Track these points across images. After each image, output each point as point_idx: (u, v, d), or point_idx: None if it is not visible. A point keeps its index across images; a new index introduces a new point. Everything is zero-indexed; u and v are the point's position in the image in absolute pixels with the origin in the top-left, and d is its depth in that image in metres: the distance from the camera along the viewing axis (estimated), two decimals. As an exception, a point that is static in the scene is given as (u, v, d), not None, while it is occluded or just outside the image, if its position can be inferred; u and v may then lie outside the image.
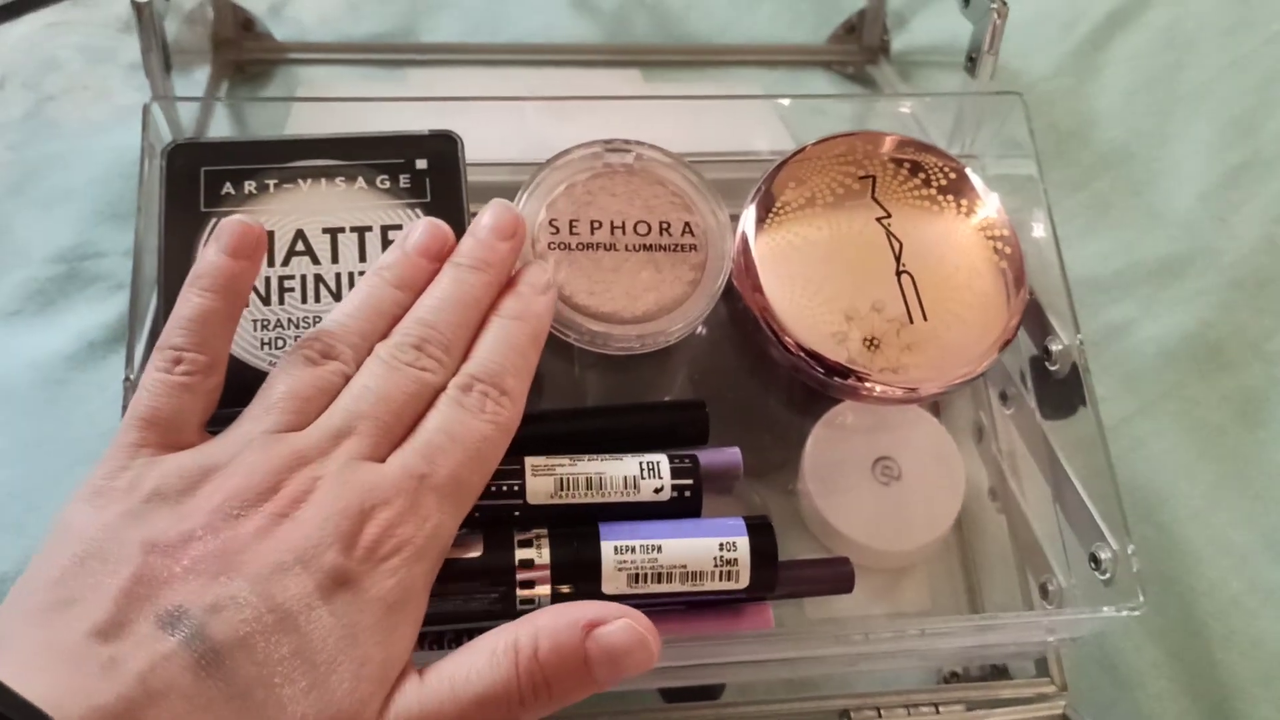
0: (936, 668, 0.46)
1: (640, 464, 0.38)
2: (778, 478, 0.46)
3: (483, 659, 0.31)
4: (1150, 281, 0.57)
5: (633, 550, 0.36)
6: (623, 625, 0.32)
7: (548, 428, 0.40)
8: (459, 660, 0.32)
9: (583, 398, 0.45)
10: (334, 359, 0.35)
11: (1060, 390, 0.44)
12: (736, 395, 0.47)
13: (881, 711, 0.43)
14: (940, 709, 0.43)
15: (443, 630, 0.37)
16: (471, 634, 0.37)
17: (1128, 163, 0.61)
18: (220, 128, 0.53)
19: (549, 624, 0.32)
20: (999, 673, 0.46)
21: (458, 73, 0.61)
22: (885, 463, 0.46)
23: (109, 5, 0.60)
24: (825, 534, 0.45)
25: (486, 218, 0.38)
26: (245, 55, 0.59)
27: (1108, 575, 0.40)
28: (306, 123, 0.50)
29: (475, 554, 0.36)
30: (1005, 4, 0.49)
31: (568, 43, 0.62)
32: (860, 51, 0.63)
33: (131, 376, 0.39)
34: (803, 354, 0.42)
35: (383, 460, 0.33)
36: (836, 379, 0.42)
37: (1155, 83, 0.63)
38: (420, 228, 0.38)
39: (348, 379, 0.34)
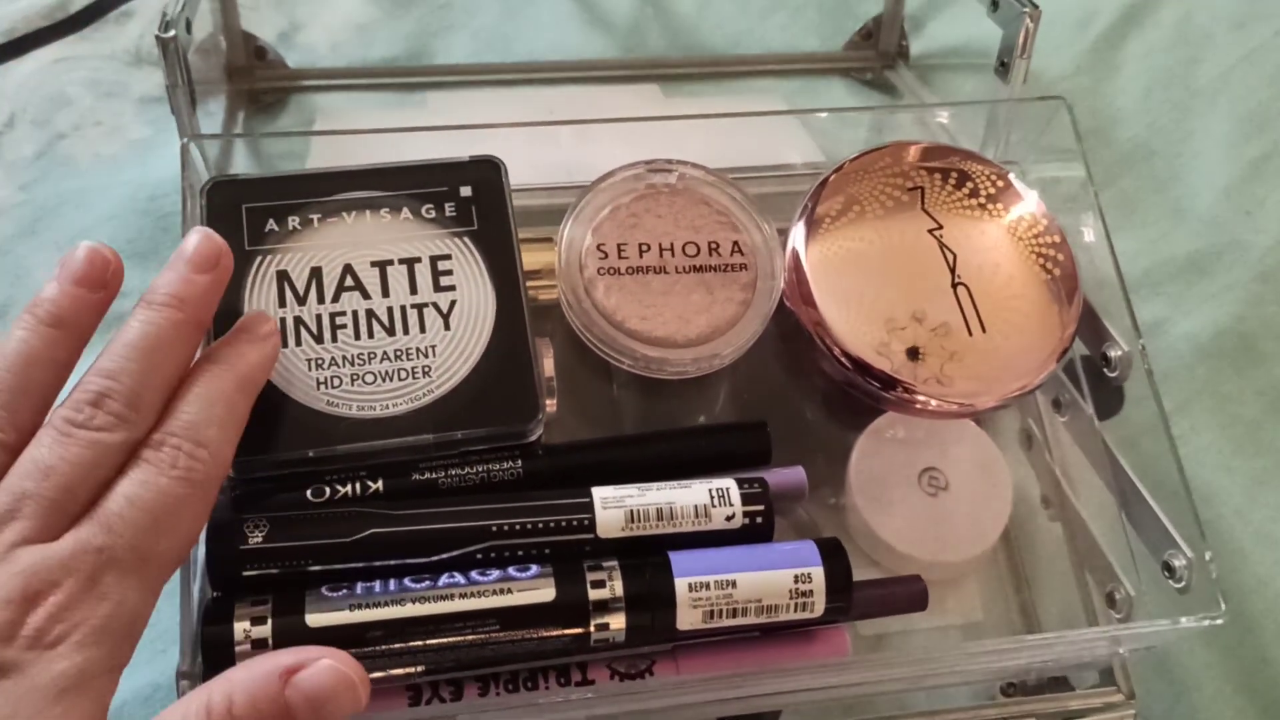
0: (994, 680, 0.46)
1: (710, 491, 0.37)
2: (822, 492, 0.46)
3: None
4: (1179, 279, 0.57)
5: (707, 587, 0.35)
6: (324, 667, 0.29)
7: (607, 455, 0.40)
8: None
9: (621, 420, 0.45)
10: None
11: (1111, 393, 0.44)
12: (777, 412, 0.46)
13: (950, 729, 0.42)
14: (1009, 724, 0.43)
15: (517, 670, 0.37)
16: (545, 672, 0.37)
17: (1150, 160, 0.60)
18: (241, 162, 0.52)
19: (243, 677, 0.29)
20: (1058, 683, 0.45)
21: (474, 94, 0.60)
22: (931, 473, 0.45)
23: (117, 38, 0.59)
24: (872, 547, 0.44)
25: (184, 247, 0.34)
26: (259, 84, 0.58)
27: (1184, 583, 0.40)
28: (329, 152, 0.49)
29: (549, 596, 0.35)
30: (1037, 7, 0.48)
31: (583, 59, 0.61)
32: (878, 57, 0.63)
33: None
34: (858, 369, 0.41)
35: (56, 538, 0.30)
36: (890, 392, 0.42)
37: (1172, 79, 0.63)
38: (74, 253, 0.34)
39: (10, 450, 0.31)
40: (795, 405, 0.48)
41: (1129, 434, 0.44)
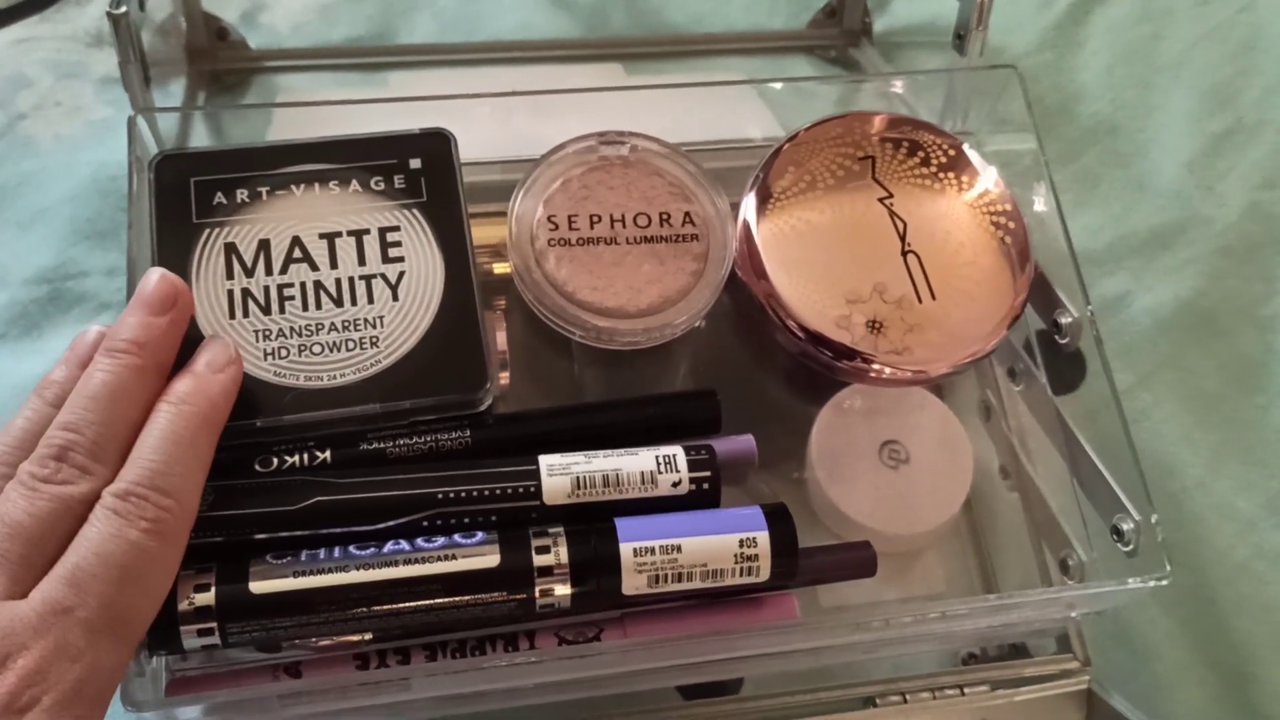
0: (954, 650, 0.46)
1: (657, 458, 0.37)
2: (784, 465, 0.46)
3: None
4: (1141, 253, 0.57)
5: (652, 552, 0.35)
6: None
7: (558, 424, 0.40)
8: None
9: (582, 396, 0.45)
10: None
11: (1069, 360, 0.44)
12: (739, 385, 0.46)
13: (907, 696, 0.42)
14: (965, 690, 0.43)
15: (465, 638, 0.37)
16: (493, 640, 0.37)
17: (1113, 135, 0.60)
18: (200, 138, 0.52)
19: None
20: (1018, 651, 0.46)
21: (437, 74, 0.60)
22: (892, 446, 0.45)
23: (76, 19, 0.59)
24: (834, 520, 0.45)
25: (141, 290, 0.35)
26: (220, 65, 0.58)
27: (1131, 546, 0.40)
28: (289, 130, 0.48)
29: (493, 562, 0.35)
30: (992, -21, 0.49)
31: (546, 39, 0.61)
32: (842, 35, 0.63)
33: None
34: (811, 339, 0.41)
35: (25, 595, 0.29)
36: (844, 362, 0.42)
37: (1135, 54, 0.63)
38: (84, 335, 0.35)
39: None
40: (757, 379, 0.48)
41: (1090, 406, 0.44)
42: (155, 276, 0.35)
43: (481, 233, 0.42)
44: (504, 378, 0.41)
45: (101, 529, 0.30)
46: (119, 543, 0.30)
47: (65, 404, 0.32)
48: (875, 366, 0.42)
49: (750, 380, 0.48)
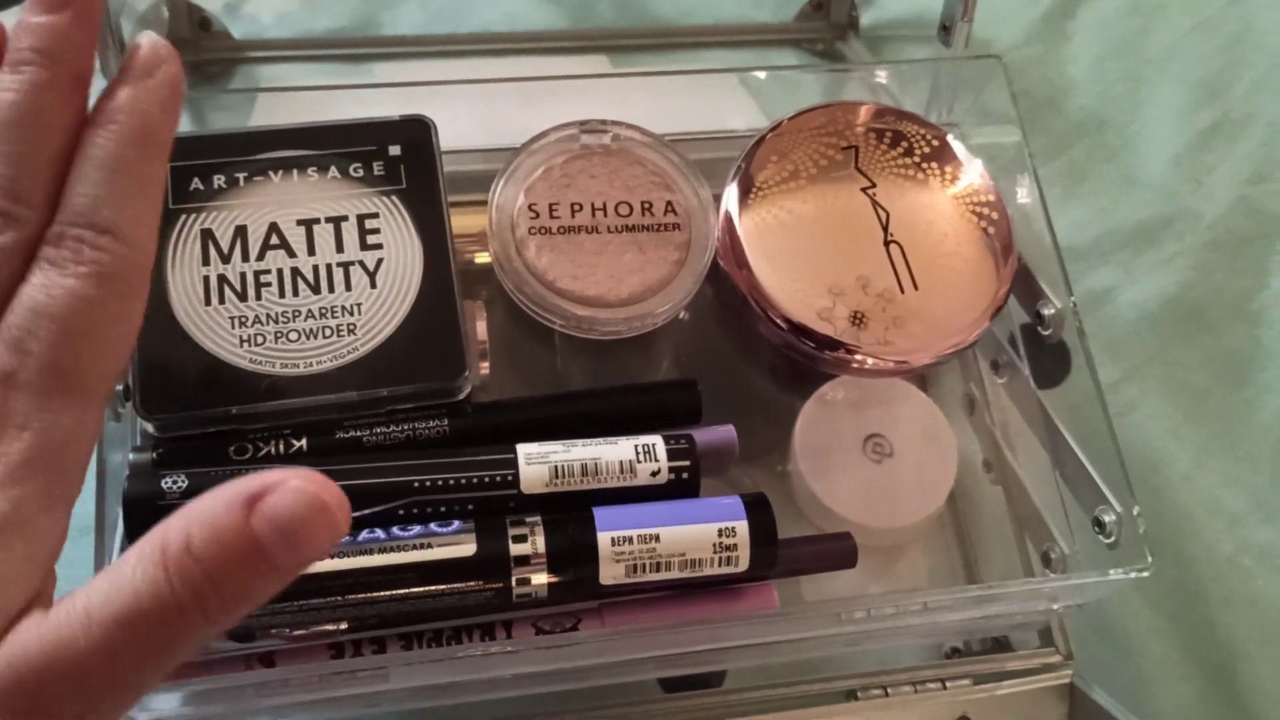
0: (938, 644, 0.46)
1: (636, 447, 0.37)
2: (768, 459, 0.46)
3: (126, 571, 0.24)
4: (1129, 247, 0.57)
5: (630, 541, 0.35)
6: (292, 490, 0.24)
7: (538, 413, 0.40)
8: (101, 580, 0.24)
9: (565, 386, 0.44)
10: None
11: (1051, 355, 0.44)
12: (723, 378, 0.46)
13: (888, 690, 0.42)
14: (947, 684, 0.42)
15: (441, 628, 0.36)
16: (470, 630, 0.36)
17: (1101, 129, 0.60)
18: (182, 128, 0.52)
19: (200, 509, 0.24)
20: (1000, 645, 0.45)
21: (422, 65, 0.60)
22: (876, 440, 0.45)
23: (59, 8, 0.58)
24: (818, 514, 0.44)
25: None
26: (204, 55, 0.58)
27: (1113, 538, 0.40)
28: (271, 118, 0.48)
29: (469, 551, 0.35)
30: (978, -30, 0.48)
31: (532, 30, 0.61)
32: (829, 28, 0.62)
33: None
34: (793, 330, 0.41)
35: None
36: (827, 353, 0.41)
37: (1124, 48, 0.63)
38: None
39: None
40: (741, 371, 0.48)
41: (1074, 399, 0.44)
42: None
43: (463, 221, 0.42)
44: (484, 367, 0.41)
45: (35, 281, 0.26)
46: (55, 292, 0.26)
47: None
48: (858, 357, 0.41)
49: (734, 372, 0.47)
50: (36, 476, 0.25)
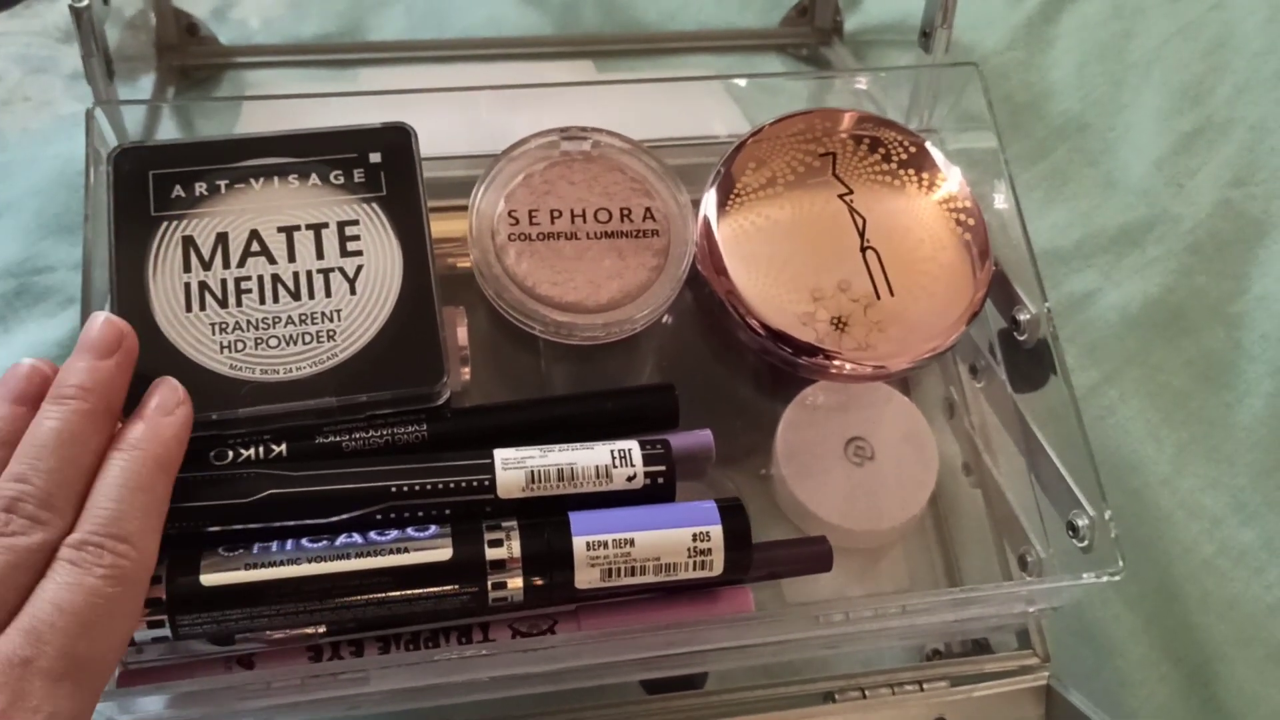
0: (918, 646, 0.46)
1: (612, 452, 0.37)
2: (750, 462, 0.46)
3: None
4: (1110, 250, 0.57)
5: (605, 545, 0.36)
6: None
7: (516, 418, 0.40)
8: None
9: (549, 392, 0.45)
10: None
11: (1030, 360, 0.44)
12: (706, 382, 0.47)
13: (866, 692, 0.42)
14: (924, 686, 0.43)
15: (418, 631, 0.37)
16: (447, 633, 0.37)
17: (1083, 133, 0.61)
18: (168, 133, 0.52)
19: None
20: (980, 648, 0.46)
21: (407, 70, 0.60)
22: (858, 443, 0.45)
23: (46, 14, 0.59)
24: (800, 517, 0.45)
25: (86, 334, 0.35)
26: (190, 60, 0.58)
27: (1086, 542, 0.40)
28: (256, 124, 0.49)
29: (445, 556, 0.35)
30: (957, -23, 0.49)
31: (517, 35, 0.61)
32: (813, 33, 0.63)
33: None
34: (771, 336, 0.41)
35: None
36: (805, 358, 0.42)
37: (1106, 52, 0.63)
38: (15, 369, 0.34)
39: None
40: (723, 376, 0.48)
41: (1053, 403, 0.44)
42: (100, 320, 0.35)
43: (445, 227, 0.42)
44: (465, 373, 0.41)
45: (58, 579, 0.30)
46: (77, 591, 0.30)
47: (15, 453, 0.32)
48: (836, 362, 0.42)
49: (717, 376, 0.48)
50: None
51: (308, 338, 0.38)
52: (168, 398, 0.35)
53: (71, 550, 0.31)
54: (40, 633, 0.29)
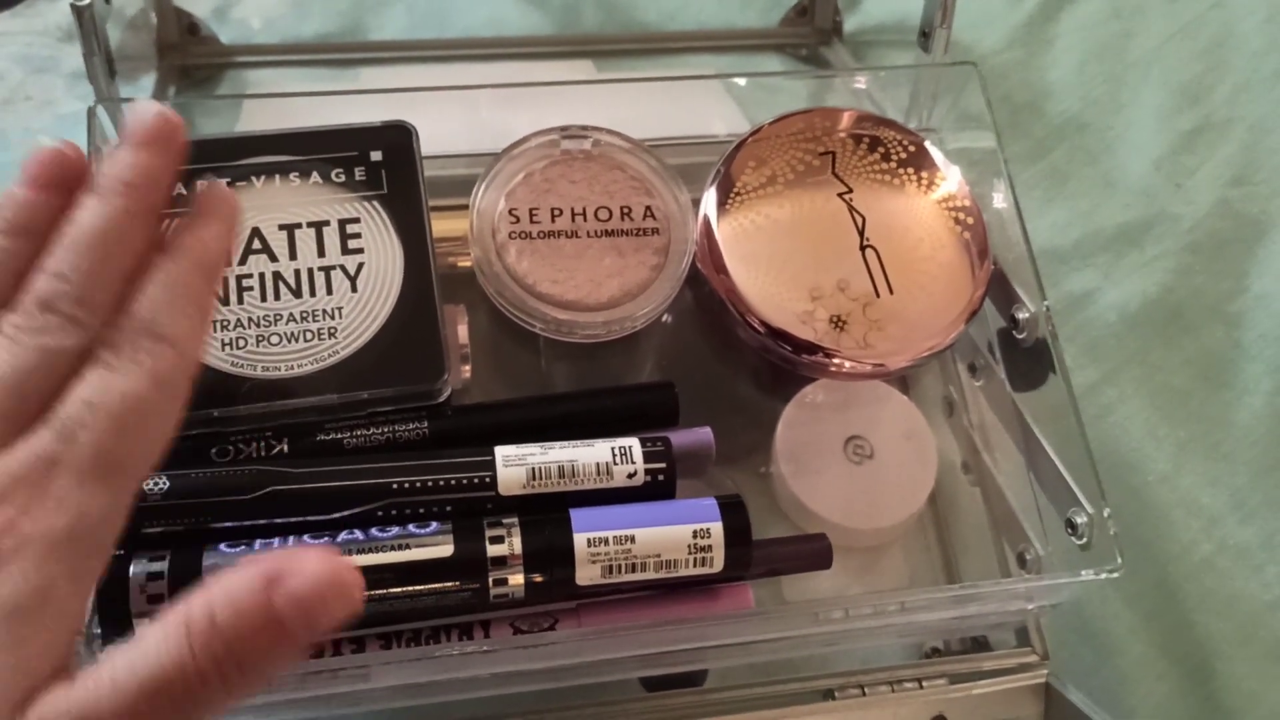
0: (918, 644, 0.46)
1: (612, 449, 0.37)
2: (750, 460, 0.46)
3: (150, 643, 0.26)
4: (1109, 249, 0.58)
5: (606, 542, 0.36)
6: (312, 572, 0.26)
7: (516, 415, 0.40)
8: (124, 651, 0.26)
9: (550, 389, 0.45)
10: None
11: (1029, 359, 0.44)
12: (706, 380, 0.47)
13: (865, 689, 0.43)
14: (924, 683, 0.43)
15: (420, 628, 0.37)
16: (449, 630, 0.37)
17: (1082, 132, 0.61)
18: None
19: (224, 588, 0.26)
20: (980, 645, 0.46)
21: (408, 70, 0.60)
22: (857, 442, 0.46)
23: (48, 14, 0.59)
24: (800, 515, 0.45)
25: (131, 125, 0.31)
26: (191, 60, 0.58)
27: (1085, 540, 0.40)
28: (257, 123, 0.49)
29: (446, 552, 0.35)
30: (957, -23, 0.49)
31: (518, 35, 0.62)
32: (813, 33, 0.63)
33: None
34: (771, 334, 0.41)
35: (8, 447, 0.28)
36: (804, 356, 0.42)
37: (1105, 52, 0.63)
38: (36, 154, 0.31)
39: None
40: (724, 374, 0.48)
41: (1053, 402, 0.44)
42: (152, 110, 0.31)
43: (446, 225, 0.42)
44: (466, 370, 0.41)
45: (91, 377, 0.28)
46: (112, 391, 0.28)
47: (51, 247, 0.30)
48: (835, 361, 0.42)
49: (717, 374, 0.48)
50: (70, 555, 0.27)
51: (309, 335, 0.38)
52: (217, 203, 0.32)
53: (108, 350, 0.29)
54: (71, 431, 0.28)
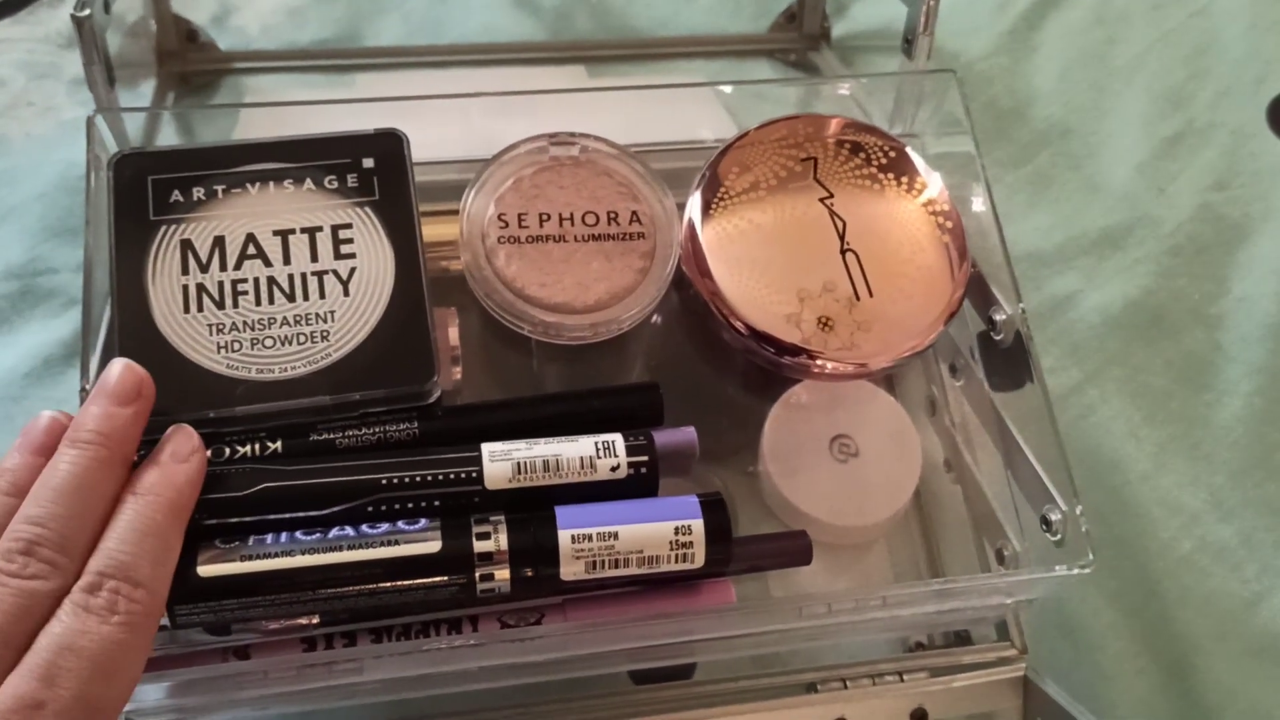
0: (902, 639, 0.47)
1: (596, 444, 0.38)
2: (737, 460, 0.47)
3: None
4: (1092, 252, 0.59)
5: (590, 538, 0.37)
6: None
7: (504, 416, 0.41)
8: None
9: (541, 390, 0.46)
10: None
11: (1007, 360, 0.45)
12: (693, 381, 0.48)
13: (847, 682, 0.43)
14: (904, 677, 0.44)
15: (409, 623, 0.38)
16: (437, 624, 0.38)
17: (1066, 138, 0.62)
18: (168, 139, 0.54)
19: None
20: (961, 640, 0.47)
21: (403, 76, 0.61)
22: (842, 440, 0.46)
23: (50, 21, 0.60)
24: (786, 513, 0.46)
25: (104, 380, 0.35)
26: (190, 67, 0.59)
27: (1059, 536, 0.41)
28: (255, 130, 0.50)
29: (434, 548, 0.36)
30: (939, -15, 0.50)
31: (511, 41, 0.62)
32: (801, 39, 0.64)
33: (87, 387, 0.39)
34: (754, 336, 0.42)
35: None
36: (788, 358, 0.43)
37: (1089, 58, 0.64)
38: (36, 421, 0.35)
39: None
40: (712, 375, 0.49)
41: (1033, 402, 0.45)
42: (119, 367, 0.35)
43: (436, 230, 0.43)
44: (457, 372, 0.42)
45: (70, 623, 0.30)
46: (90, 637, 0.30)
47: (30, 496, 0.32)
48: (818, 362, 0.43)
49: (705, 375, 0.49)
50: None
51: (302, 338, 0.39)
52: (181, 444, 0.35)
53: (84, 594, 0.31)
54: (53, 676, 0.29)
